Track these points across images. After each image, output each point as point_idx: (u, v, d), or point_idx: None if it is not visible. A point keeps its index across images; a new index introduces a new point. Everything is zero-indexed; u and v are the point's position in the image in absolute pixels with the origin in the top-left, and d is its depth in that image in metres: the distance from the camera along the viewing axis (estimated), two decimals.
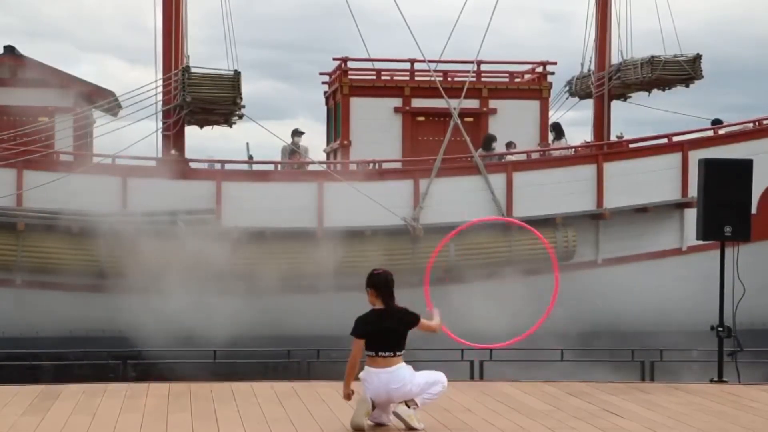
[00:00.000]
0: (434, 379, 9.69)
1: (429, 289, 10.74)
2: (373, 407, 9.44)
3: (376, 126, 23.98)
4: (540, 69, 25.44)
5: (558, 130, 24.92)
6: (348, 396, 9.61)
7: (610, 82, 26.32)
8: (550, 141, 24.61)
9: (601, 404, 10.95)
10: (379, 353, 9.45)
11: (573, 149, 24.99)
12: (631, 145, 24.10)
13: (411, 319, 9.56)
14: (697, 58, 25.38)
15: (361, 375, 9.50)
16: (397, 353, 9.48)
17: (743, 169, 13.51)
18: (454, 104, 22.89)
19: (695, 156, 20.78)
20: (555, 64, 25.39)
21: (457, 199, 22.12)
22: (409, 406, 9.45)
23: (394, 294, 9.60)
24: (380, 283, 9.56)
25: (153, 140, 22.49)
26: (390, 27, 45.59)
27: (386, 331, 9.45)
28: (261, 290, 20.88)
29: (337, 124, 24.81)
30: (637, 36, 26.25)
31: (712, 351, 14.05)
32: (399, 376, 9.42)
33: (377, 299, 9.57)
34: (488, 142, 23.54)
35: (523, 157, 23.42)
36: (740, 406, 11.03)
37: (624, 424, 9.88)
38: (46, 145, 21.63)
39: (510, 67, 26.02)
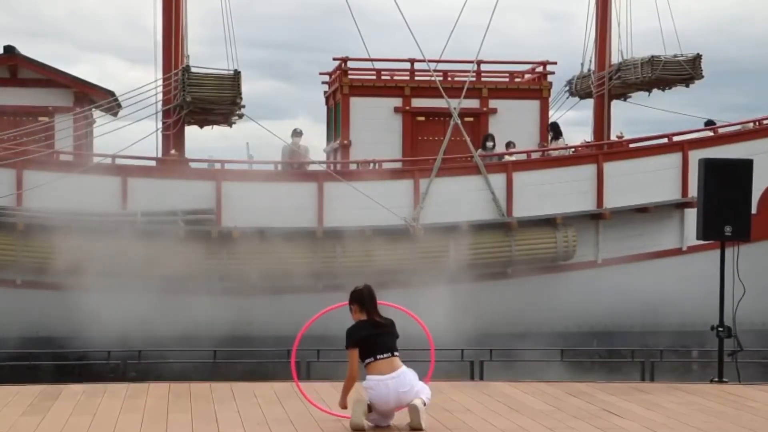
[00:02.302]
0: (423, 384, 9.71)
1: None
2: (370, 410, 9.41)
3: (376, 126, 23.97)
4: (540, 69, 25.44)
5: (556, 130, 24.91)
6: (345, 407, 9.62)
7: (610, 82, 26.32)
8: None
9: (601, 404, 10.94)
10: (378, 356, 9.43)
11: (572, 149, 24.98)
12: (631, 145, 24.08)
13: (395, 332, 9.61)
14: (697, 58, 25.39)
15: (365, 384, 9.44)
16: (395, 353, 9.49)
17: (743, 169, 13.50)
18: (454, 104, 22.87)
19: (695, 156, 20.76)
20: (555, 63, 25.41)
21: (457, 199, 22.12)
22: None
23: (377, 306, 9.64)
24: (363, 299, 9.62)
25: (153, 140, 22.55)
26: (390, 27, 45.65)
27: (380, 334, 9.47)
28: (266, 290, 20.89)
29: (337, 123, 24.80)
30: (637, 36, 26.30)
31: (712, 351, 14.05)
32: (405, 380, 9.41)
33: (362, 314, 9.62)
34: (483, 141, 23.57)
35: (523, 157, 23.42)
36: (740, 406, 11.02)
37: (624, 424, 9.88)
38: (46, 145, 21.63)
39: (510, 66, 26.03)
